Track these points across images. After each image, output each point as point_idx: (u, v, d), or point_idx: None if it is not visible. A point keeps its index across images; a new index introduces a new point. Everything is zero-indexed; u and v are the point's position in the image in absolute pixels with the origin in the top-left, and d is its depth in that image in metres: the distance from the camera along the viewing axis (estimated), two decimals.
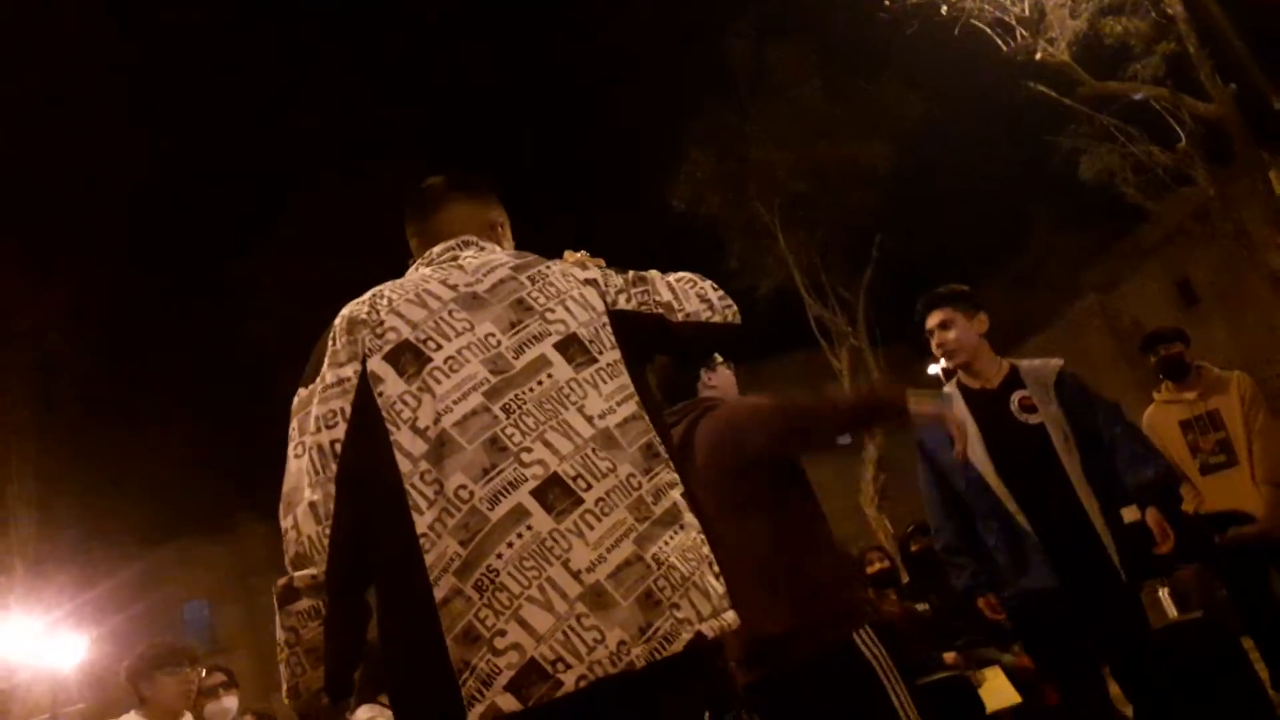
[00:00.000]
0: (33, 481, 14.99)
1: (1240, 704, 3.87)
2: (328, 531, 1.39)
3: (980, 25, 12.48)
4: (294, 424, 1.48)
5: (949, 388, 3.11)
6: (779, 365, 21.34)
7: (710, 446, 2.44)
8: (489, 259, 1.61)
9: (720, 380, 2.66)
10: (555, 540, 1.34)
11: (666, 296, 1.66)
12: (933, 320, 3.06)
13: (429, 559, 1.33)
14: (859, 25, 15.28)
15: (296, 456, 1.45)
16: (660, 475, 1.45)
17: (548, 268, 1.60)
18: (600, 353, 1.51)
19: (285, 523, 1.42)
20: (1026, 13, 12.20)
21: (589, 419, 1.44)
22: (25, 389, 15.32)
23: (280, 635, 1.40)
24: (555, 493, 1.37)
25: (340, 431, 1.43)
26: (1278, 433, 4.22)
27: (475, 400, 1.42)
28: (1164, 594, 5.83)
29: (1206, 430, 4.23)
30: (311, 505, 1.40)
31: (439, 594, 1.32)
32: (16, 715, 13.06)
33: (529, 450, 1.39)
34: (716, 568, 1.45)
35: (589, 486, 1.39)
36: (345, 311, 1.54)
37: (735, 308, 1.74)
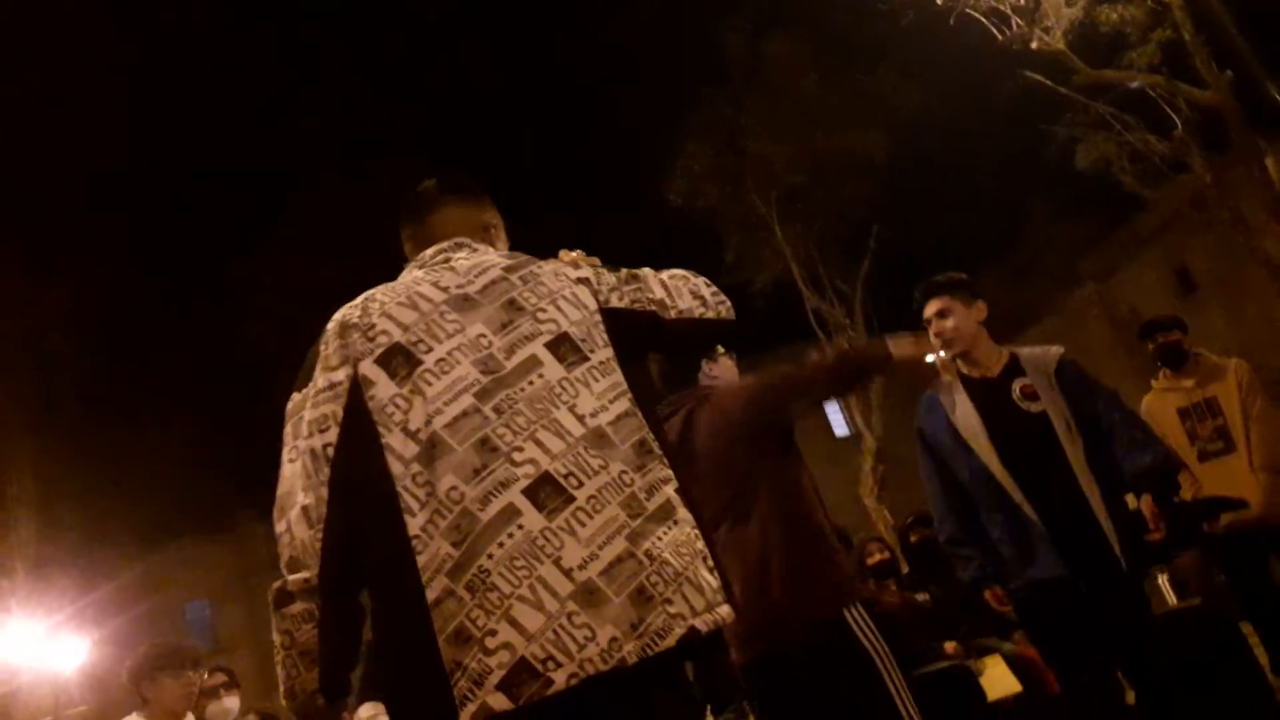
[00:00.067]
0: (33, 483, 15.00)
1: (1240, 689, 3.88)
2: (320, 535, 1.40)
3: (975, 15, 12.47)
4: (288, 428, 1.49)
5: (948, 377, 3.07)
6: (777, 358, 21.27)
7: (706, 433, 2.47)
8: (481, 260, 1.61)
9: (721, 370, 2.68)
10: (547, 539, 1.35)
11: (659, 294, 1.66)
12: (930, 309, 3.04)
13: (421, 560, 1.34)
14: (855, 16, 15.29)
15: (290, 461, 1.46)
16: (653, 471, 1.46)
17: (539, 267, 1.61)
18: (592, 351, 1.52)
19: (279, 527, 1.43)
20: (1022, 2, 12.20)
21: (580, 418, 1.45)
22: (25, 390, 15.32)
23: (276, 638, 1.41)
24: (547, 491, 1.38)
25: (333, 435, 1.44)
26: (1275, 419, 4.23)
27: (466, 401, 1.43)
28: (1163, 581, 5.84)
29: (1204, 417, 4.24)
30: (304, 509, 1.41)
31: (431, 595, 1.33)
32: (18, 718, 13.08)
33: (520, 450, 1.40)
34: (711, 562, 1.45)
35: (580, 484, 1.39)
36: (337, 315, 1.55)
37: (729, 303, 1.75)
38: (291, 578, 1.40)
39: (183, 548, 21.99)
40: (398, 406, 1.42)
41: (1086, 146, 14.69)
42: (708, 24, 18.85)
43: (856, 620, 2.21)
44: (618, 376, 1.52)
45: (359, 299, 1.57)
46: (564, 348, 1.50)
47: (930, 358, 2.98)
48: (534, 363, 1.48)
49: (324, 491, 1.42)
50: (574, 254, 1.76)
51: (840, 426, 23.26)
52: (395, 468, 1.39)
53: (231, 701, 3.80)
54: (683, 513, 1.46)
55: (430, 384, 1.43)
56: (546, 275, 1.59)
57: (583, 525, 1.36)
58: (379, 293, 1.57)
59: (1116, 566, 2.72)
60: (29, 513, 14.90)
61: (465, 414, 1.42)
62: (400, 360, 1.46)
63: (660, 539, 1.40)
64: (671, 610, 1.36)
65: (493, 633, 1.30)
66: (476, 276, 1.57)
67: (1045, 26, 12.20)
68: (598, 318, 1.57)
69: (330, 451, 1.44)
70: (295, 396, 1.50)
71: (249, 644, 20.83)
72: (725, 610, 1.43)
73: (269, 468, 1.51)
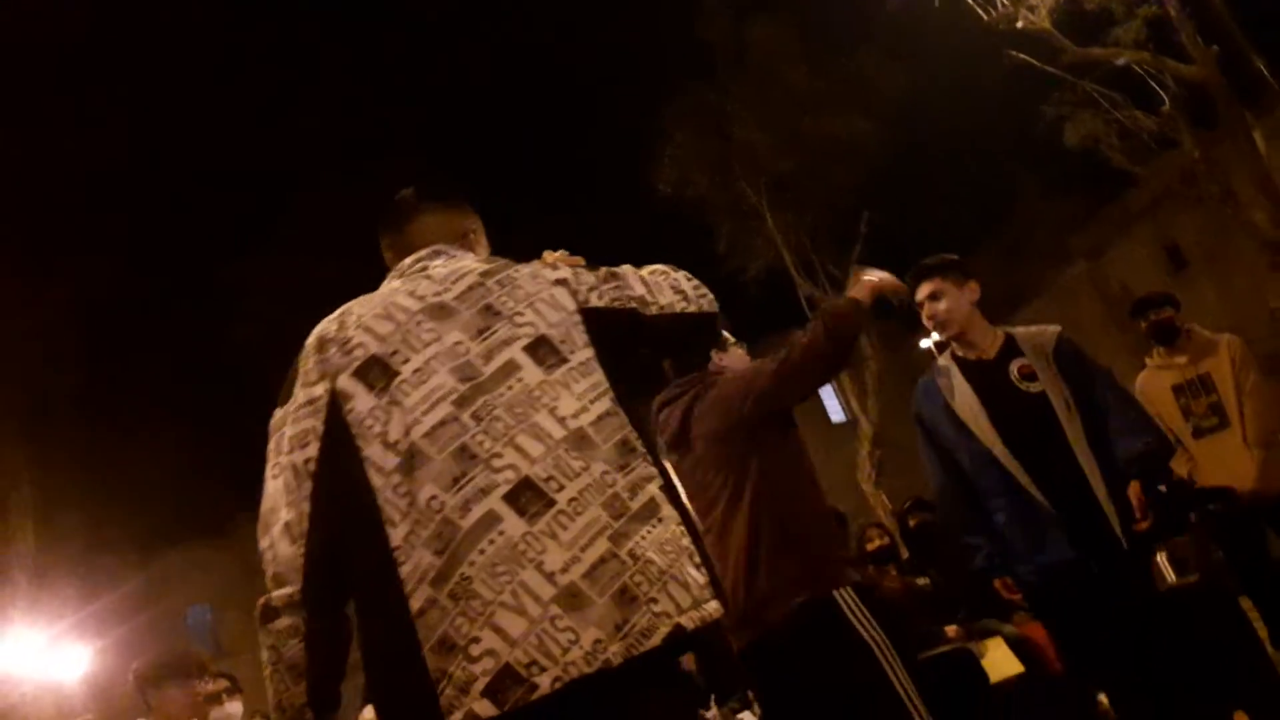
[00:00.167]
0: (33, 492, 14.96)
1: (1241, 664, 3.89)
2: (303, 550, 1.41)
3: None
4: (271, 444, 1.49)
5: (944, 360, 3.04)
6: (771, 345, 21.25)
7: (706, 419, 2.48)
8: (458, 266, 1.61)
9: (731, 360, 2.70)
10: (529, 544, 1.34)
11: (639, 290, 1.65)
12: (922, 292, 3.00)
13: (404, 571, 1.34)
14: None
15: (273, 477, 1.46)
16: (637, 470, 1.46)
17: (516, 271, 1.60)
18: (572, 352, 1.52)
19: (263, 543, 1.43)
20: None
21: (561, 420, 1.45)
22: (23, 398, 15.27)
23: (264, 654, 1.42)
24: (527, 496, 1.37)
25: (313, 450, 1.44)
26: (1268, 394, 4.24)
27: (444, 410, 1.42)
28: (1162, 558, 5.86)
29: (1198, 394, 4.25)
30: (287, 525, 1.42)
31: (415, 605, 1.33)
32: None
33: (499, 456, 1.40)
34: (698, 558, 1.45)
35: (561, 487, 1.39)
36: (316, 330, 1.55)
37: (710, 296, 1.74)
38: (276, 593, 1.40)
39: (182, 553, 21.96)
40: (376, 419, 1.42)
41: (1074, 125, 14.65)
42: (689, 10, 18.77)
43: (847, 602, 2.21)
44: (598, 376, 1.52)
45: (337, 312, 1.57)
46: (543, 350, 1.50)
47: (925, 342, 2.98)
48: (512, 367, 1.47)
49: (306, 506, 1.42)
50: (557, 254, 1.76)
51: (836, 412, 23.28)
52: (376, 480, 1.39)
53: (234, 707, 3.79)
54: (668, 510, 1.46)
55: (408, 394, 1.43)
56: (524, 278, 1.59)
57: (564, 528, 1.36)
58: (356, 305, 1.57)
59: (1118, 546, 2.70)
60: (29, 522, 14.87)
61: (443, 423, 1.41)
62: (378, 372, 1.46)
63: (644, 538, 1.40)
64: (656, 609, 1.36)
65: (476, 640, 1.29)
66: (453, 283, 1.56)
67: (1030, 5, 12.16)
68: (577, 318, 1.56)
69: (311, 466, 1.44)
70: (277, 413, 1.50)
71: (251, 648, 20.56)
72: (713, 606, 1.43)
73: None
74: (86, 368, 16.70)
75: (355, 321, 1.52)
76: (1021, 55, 12.92)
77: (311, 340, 1.53)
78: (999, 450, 2.80)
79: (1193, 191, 13.75)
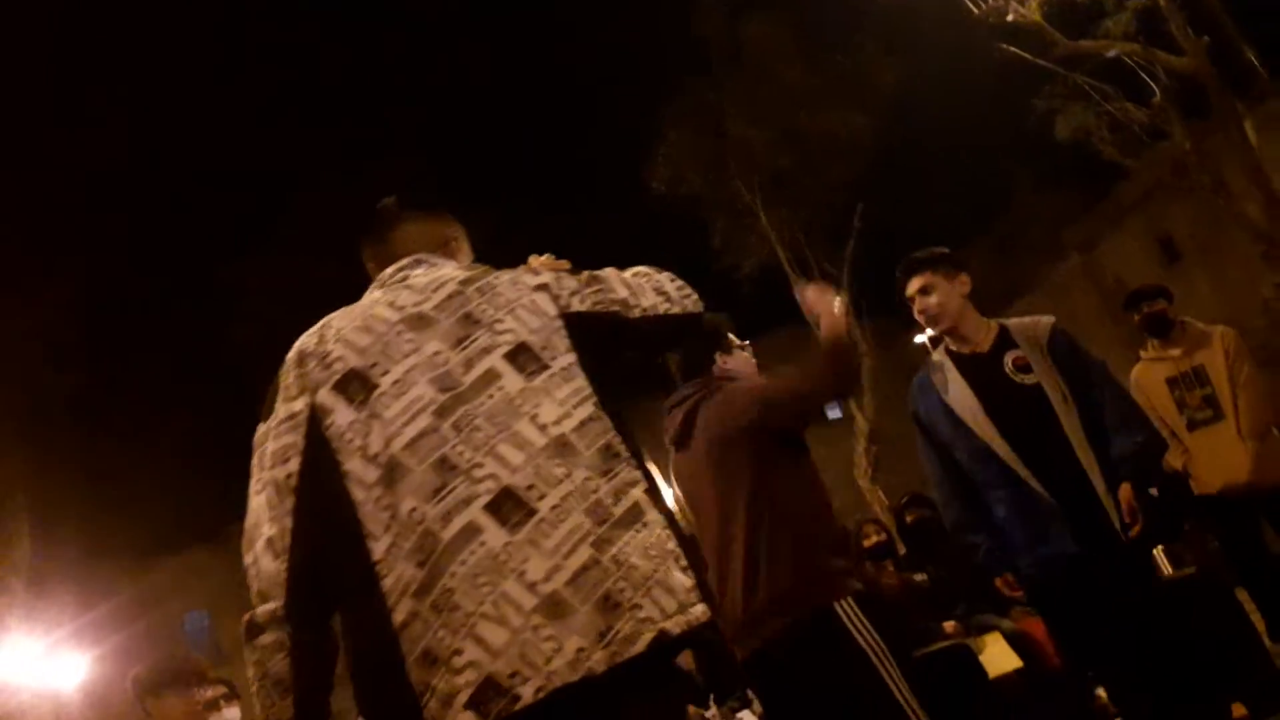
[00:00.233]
0: (29, 500, 14.91)
1: (1238, 656, 3.90)
2: (286, 566, 1.40)
3: None
4: (254, 460, 1.49)
5: (938, 355, 3.01)
6: (767, 342, 21.21)
7: (709, 428, 2.47)
8: (438, 275, 1.60)
9: (735, 363, 2.68)
10: (510, 554, 1.34)
11: (622, 293, 1.64)
12: (912, 286, 2.96)
13: (386, 584, 1.34)
14: None
15: (256, 493, 1.46)
16: (620, 475, 1.45)
17: (496, 278, 1.59)
18: (553, 359, 1.51)
19: (247, 559, 1.43)
20: None
21: (542, 427, 1.44)
22: (18, 406, 15.21)
23: (250, 670, 1.41)
24: (508, 506, 1.37)
25: (295, 465, 1.44)
26: (1262, 385, 4.25)
27: (424, 421, 1.42)
28: (1158, 551, 5.86)
29: (1193, 386, 4.25)
30: (269, 541, 1.41)
31: (398, 618, 1.32)
32: None
33: (480, 466, 1.39)
34: (684, 561, 1.44)
35: (543, 496, 1.38)
36: (296, 344, 1.54)
37: (695, 297, 1.73)
38: (260, 609, 1.40)
39: (179, 559, 21.92)
40: (356, 432, 1.41)
41: (1066, 118, 14.69)
42: (685, 9, 18.75)
43: (847, 613, 2.21)
44: (580, 382, 1.51)
45: (317, 325, 1.56)
46: (523, 358, 1.49)
47: (919, 338, 2.97)
48: (492, 376, 1.47)
49: (289, 522, 1.41)
50: (543, 258, 1.75)
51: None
52: (357, 494, 1.38)
53: (232, 713, 3.77)
54: (652, 514, 1.45)
55: (387, 407, 1.42)
56: (504, 285, 1.58)
57: (546, 537, 1.36)
58: (336, 318, 1.56)
59: (1118, 539, 2.67)
60: (25, 530, 14.82)
61: (423, 434, 1.41)
62: (357, 385, 1.45)
63: (628, 543, 1.39)
64: (641, 615, 1.35)
65: (459, 652, 1.29)
66: (433, 292, 1.55)
67: None
68: (559, 323, 1.55)
69: (293, 482, 1.43)
70: (260, 428, 1.50)
71: None
72: (699, 610, 1.41)
73: None
74: (83, 372, 16.64)
75: (334, 335, 1.51)
76: (1012, 49, 12.92)
77: (292, 355, 1.52)
78: (997, 444, 2.76)
79: (1184, 183, 13.78)
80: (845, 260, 18.31)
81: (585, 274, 1.67)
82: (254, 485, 1.46)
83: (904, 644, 2.31)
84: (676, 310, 1.69)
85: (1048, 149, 16.30)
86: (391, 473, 1.38)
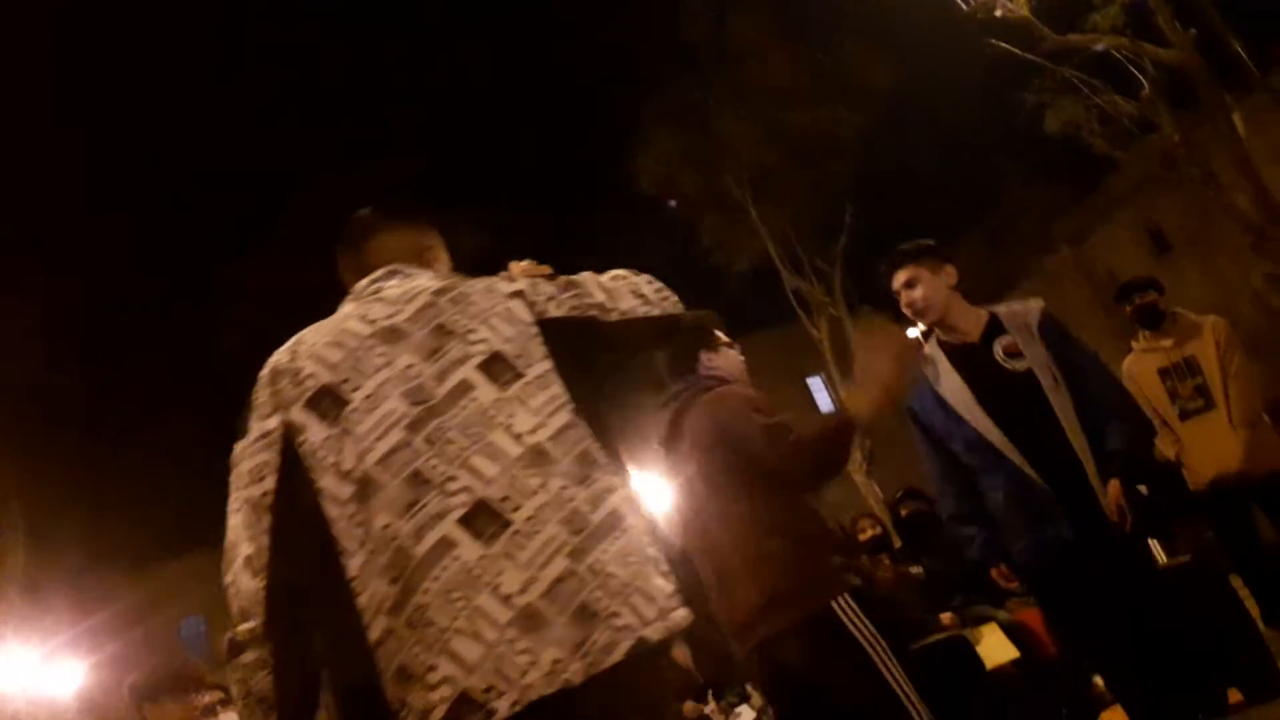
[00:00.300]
0: (22, 506, 14.85)
1: (1234, 642, 3.92)
2: (264, 584, 1.40)
3: None
4: (231, 478, 1.48)
5: (929, 347, 2.98)
6: (759, 339, 21.31)
7: (693, 430, 2.45)
8: (411, 286, 1.58)
9: (723, 361, 2.65)
10: (484, 567, 1.33)
11: (599, 297, 1.63)
12: (898, 280, 2.93)
13: (361, 601, 1.34)
14: None
15: (234, 512, 1.46)
16: (598, 482, 1.44)
17: (470, 287, 1.57)
18: (528, 367, 1.49)
19: (226, 578, 1.44)
20: None
21: (517, 437, 1.43)
22: (14, 413, 15.15)
23: (233, 689, 1.42)
24: (483, 518, 1.36)
25: (270, 484, 1.43)
26: (1252, 374, 4.27)
27: (396, 436, 1.41)
28: (1152, 541, 5.89)
29: (1184, 376, 4.27)
30: (248, 559, 1.41)
31: (373, 635, 1.32)
32: None
33: (454, 479, 1.38)
34: (665, 567, 1.43)
35: (518, 507, 1.37)
36: (270, 361, 1.53)
37: (674, 298, 1.72)
38: (240, 628, 1.40)
39: (175, 564, 21.86)
40: (330, 449, 1.41)
41: (1055, 111, 14.74)
42: (673, 8, 18.75)
43: (844, 610, 2.21)
44: (557, 389, 1.49)
45: (290, 342, 1.55)
46: (497, 367, 1.48)
47: (911, 332, 2.94)
48: (466, 387, 1.45)
49: (265, 540, 1.41)
50: (523, 264, 1.74)
51: (826, 404, 23.35)
52: (332, 511, 1.38)
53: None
54: (631, 520, 1.43)
55: (359, 422, 1.42)
56: (477, 294, 1.56)
57: (521, 549, 1.34)
58: (309, 333, 1.55)
59: (1111, 525, 2.65)
60: (20, 537, 14.77)
61: (396, 449, 1.40)
62: (329, 402, 1.44)
63: (606, 551, 1.38)
64: (619, 624, 1.34)
65: (434, 668, 1.29)
66: (406, 304, 1.54)
67: None
68: (534, 330, 1.54)
69: (269, 500, 1.43)
70: (237, 446, 1.49)
71: None
72: (680, 615, 1.41)
73: None
74: (78, 376, 16.58)
75: (306, 351, 1.50)
76: (1001, 43, 12.95)
77: (265, 372, 1.52)
78: (990, 432, 2.75)
79: (1174, 175, 13.83)
80: (837, 256, 18.35)
81: (562, 279, 1.66)
82: (231, 504, 1.46)
83: (902, 637, 2.32)
84: (655, 313, 1.68)
85: (1037, 143, 16.37)
86: (365, 489, 1.38)
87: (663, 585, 1.41)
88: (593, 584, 1.35)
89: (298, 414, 1.44)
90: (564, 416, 1.47)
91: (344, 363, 1.47)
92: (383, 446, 1.40)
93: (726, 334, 2.73)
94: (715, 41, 18.48)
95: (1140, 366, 4.37)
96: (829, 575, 2.26)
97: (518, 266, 1.74)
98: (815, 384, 23.23)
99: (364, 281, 1.65)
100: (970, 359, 2.86)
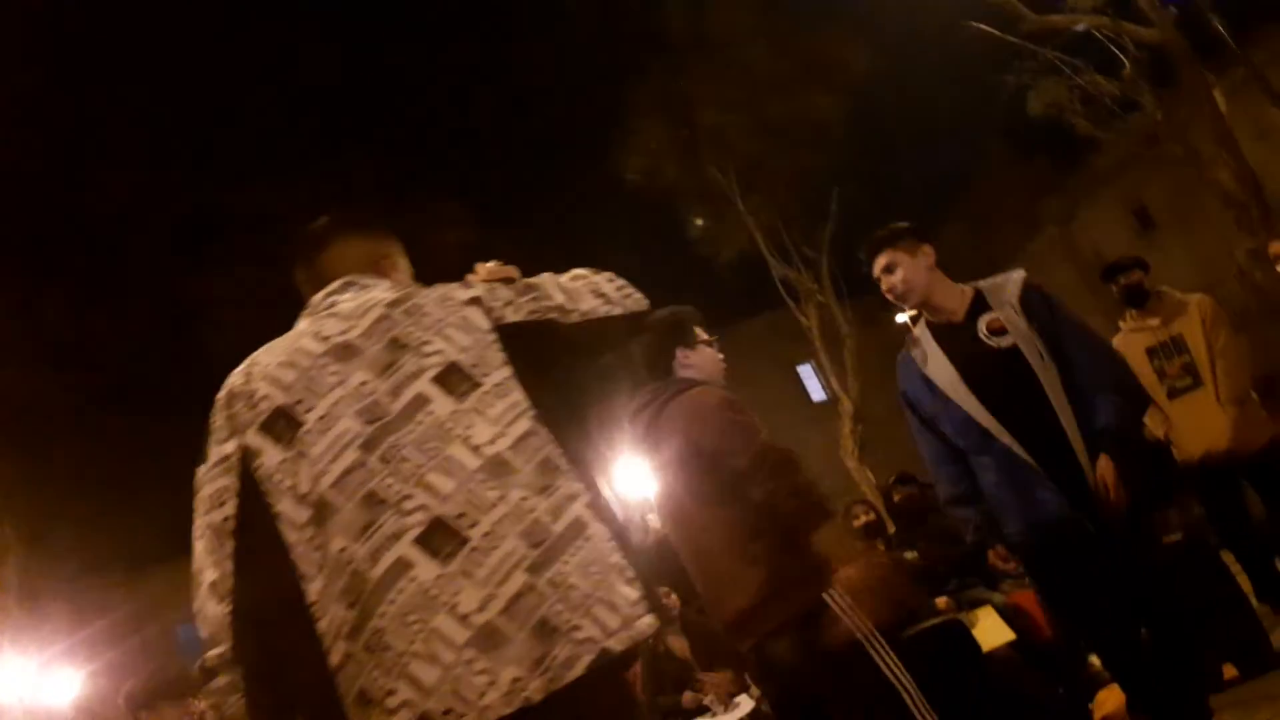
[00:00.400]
0: (14, 520, 14.77)
1: (1227, 618, 3.95)
2: (229, 609, 1.40)
3: None
4: (195, 503, 1.47)
5: (918, 330, 2.97)
6: (749, 328, 21.35)
7: (673, 438, 2.44)
8: (366, 299, 1.56)
9: (698, 359, 2.63)
10: (442, 587, 1.32)
11: (559, 299, 1.60)
12: (877, 266, 2.92)
13: (321, 626, 1.34)
14: None
15: (197, 538, 1.45)
16: (560, 490, 1.42)
17: (424, 297, 1.55)
18: (485, 375, 1.47)
19: (194, 605, 1.43)
20: None
21: (475, 449, 1.40)
22: (8, 421, 15.05)
23: (209, 715, 1.43)
24: (439, 537, 1.34)
25: (230, 509, 1.42)
26: (1239, 351, 4.29)
27: (351, 456, 1.39)
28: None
29: (1171, 355, 4.29)
30: (212, 585, 1.41)
31: (333, 660, 1.32)
32: None
33: (410, 497, 1.36)
34: (630, 573, 1.40)
35: (475, 523, 1.35)
36: (226, 383, 1.52)
37: (637, 295, 1.69)
38: (209, 654, 1.40)
39: (170, 572, 21.77)
40: (286, 472, 1.40)
41: (1037, 93, 14.76)
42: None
43: (836, 601, 2.21)
44: (517, 396, 1.47)
45: (245, 363, 1.53)
46: (454, 378, 1.45)
47: (900, 317, 2.94)
48: (421, 401, 1.43)
49: (229, 565, 1.41)
50: (489, 265, 1.71)
51: (817, 391, 23.37)
52: (289, 535, 1.37)
53: None
54: (595, 527, 1.41)
55: (313, 444, 1.40)
56: (431, 304, 1.53)
57: (479, 566, 1.33)
58: (263, 354, 1.53)
59: (1102, 502, 2.62)
60: (12, 545, 14.69)
61: (350, 470, 1.38)
62: (283, 424, 1.43)
63: (567, 562, 1.36)
64: (580, 636, 1.32)
65: (392, 692, 1.28)
66: (360, 318, 1.52)
67: None
68: (491, 337, 1.51)
69: (230, 525, 1.42)
70: (199, 471, 1.48)
71: None
72: (645, 623, 1.38)
73: None
74: (74, 384, 16.48)
75: (260, 372, 1.48)
76: (982, 26, 12.97)
77: (221, 395, 1.51)
78: (977, 412, 2.73)
79: (1156, 153, 13.89)
80: (824, 243, 18.35)
81: (520, 282, 1.63)
82: (194, 530, 1.45)
83: (895, 623, 2.33)
84: (617, 311, 1.65)
85: (1021, 124, 16.41)
86: (321, 512, 1.36)
87: (627, 593, 1.38)
88: (553, 598, 1.33)
89: (253, 438, 1.43)
90: (524, 424, 1.45)
91: (297, 383, 1.45)
92: (337, 468, 1.39)
93: (705, 330, 2.70)
94: (696, 30, 18.42)
95: (1128, 346, 4.38)
96: (818, 567, 2.26)
97: (484, 268, 1.71)
98: (805, 372, 23.24)
99: (319, 295, 1.62)
100: (956, 338, 2.84)
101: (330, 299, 1.60)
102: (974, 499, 2.85)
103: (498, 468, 1.40)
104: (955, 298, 2.89)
